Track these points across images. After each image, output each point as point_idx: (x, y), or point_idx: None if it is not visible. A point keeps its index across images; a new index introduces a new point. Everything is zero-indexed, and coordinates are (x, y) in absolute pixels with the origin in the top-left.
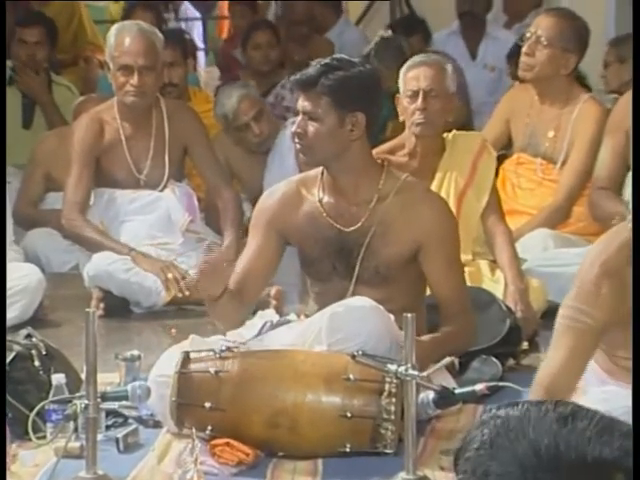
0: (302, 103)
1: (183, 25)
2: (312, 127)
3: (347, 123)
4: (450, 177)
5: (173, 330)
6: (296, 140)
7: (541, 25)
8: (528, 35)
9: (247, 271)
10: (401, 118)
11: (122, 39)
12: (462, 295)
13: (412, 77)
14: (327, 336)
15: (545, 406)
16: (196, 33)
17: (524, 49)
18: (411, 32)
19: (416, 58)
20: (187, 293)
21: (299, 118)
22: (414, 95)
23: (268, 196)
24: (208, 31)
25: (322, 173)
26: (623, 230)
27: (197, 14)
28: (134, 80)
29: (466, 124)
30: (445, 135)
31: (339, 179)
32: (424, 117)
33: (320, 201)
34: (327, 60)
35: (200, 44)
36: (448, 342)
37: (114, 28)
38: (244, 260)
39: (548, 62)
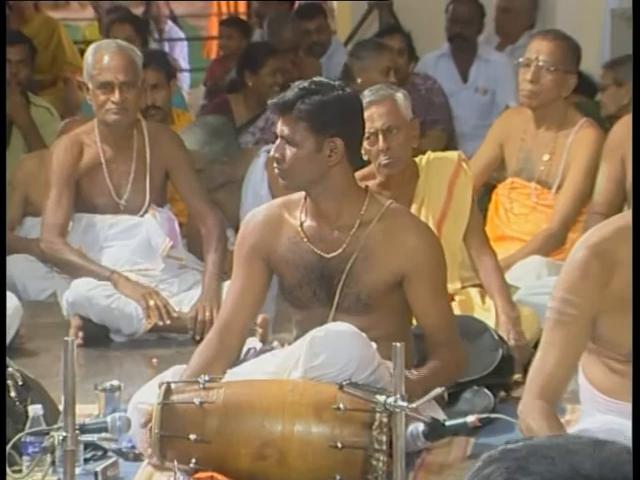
0: (280, 127)
1: (167, 45)
2: (290, 152)
3: (325, 148)
4: (427, 204)
5: (154, 360)
6: (275, 165)
7: (542, 50)
8: (523, 61)
9: (233, 310)
10: (365, 157)
11: (101, 56)
12: (449, 325)
13: (366, 118)
14: (305, 361)
15: (566, 435)
16: (179, 53)
17: (527, 76)
18: (391, 34)
19: (364, 98)
20: (168, 322)
21: (277, 142)
22: (373, 136)
23: (250, 220)
24: (193, 52)
25: (305, 197)
26: (617, 219)
27: (181, 34)
28: (115, 97)
29: (448, 147)
30: (419, 159)
31: (321, 203)
32: (389, 157)
33: (301, 225)
34: (305, 84)
35: (185, 65)
36: (435, 377)
37: (92, 47)
38: (230, 297)
39: (554, 87)
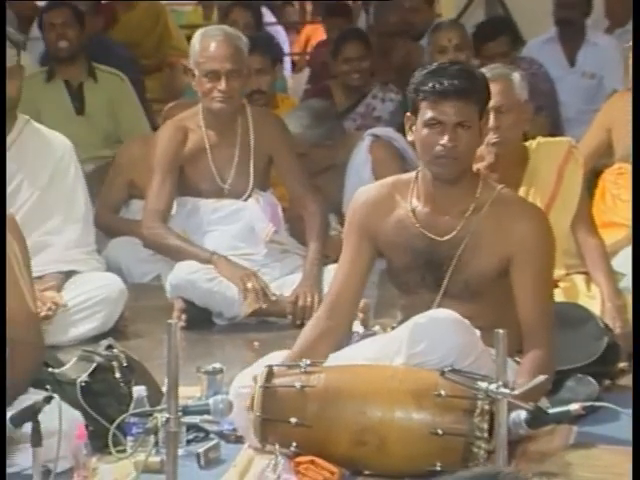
0: (452, 112)
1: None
2: (466, 137)
3: (482, 130)
4: (536, 189)
5: (256, 343)
6: (444, 154)
7: None
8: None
9: (343, 285)
10: None
11: (207, 44)
12: (545, 316)
13: None
14: (407, 347)
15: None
16: (279, 37)
17: None
18: (496, 34)
19: None
20: (264, 306)
21: (449, 129)
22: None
23: (360, 198)
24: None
25: (416, 179)
26: None
27: (273, 19)
28: (222, 86)
29: (554, 133)
30: (529, 143)
31: (441, 189)
32: (498, 136)
33: (413, 210)
34: (458, 66)
35: (286, 49)
36: (541, 369)
37: (198, 34)
38: (340, 273)
39: None
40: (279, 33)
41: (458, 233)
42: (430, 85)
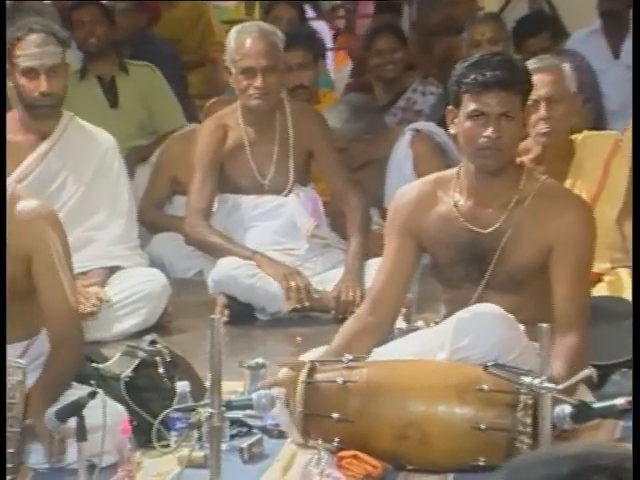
0: (495, 102)
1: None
2: (509, 128)
3: (525, 120)
4: (581, 182)
5: (298, 338)
6: (490, 145)
7: None
8: None
9: (386, 282)
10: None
11: (242, 41)
12: (582, 308)
13: None
14: (451, 342)
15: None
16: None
17: None
18: (536, 30)
19: (530, 65)
20: (307, 304)
21: (492, 121)
22: (534, 104)
23: (402, 196)
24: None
25: (458, 174)
26: None
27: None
28: (258, 82)
29: (597, 126)
30: (575, 137)
31: (484, 181)
32: (549, 126)
33: (456, 204)
34: (500, 57)
35: (329, 43)
36: (576, 356)
37: (233, 31)
38: (382, 270)
39: None
40: (321, 28)
41: (501, 225)
42: (472, 77)
